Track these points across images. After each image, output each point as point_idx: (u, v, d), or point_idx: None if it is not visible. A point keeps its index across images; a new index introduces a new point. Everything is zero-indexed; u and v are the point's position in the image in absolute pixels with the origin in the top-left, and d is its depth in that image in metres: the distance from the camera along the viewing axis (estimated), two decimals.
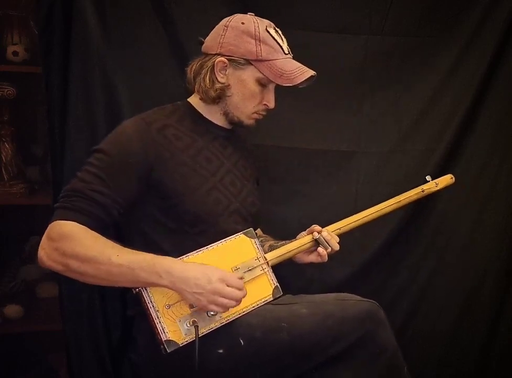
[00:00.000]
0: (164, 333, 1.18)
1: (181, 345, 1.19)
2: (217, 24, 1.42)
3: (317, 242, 1.40)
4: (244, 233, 1.32)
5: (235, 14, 1.40)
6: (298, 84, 1.35)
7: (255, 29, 1.34)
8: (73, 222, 1.18)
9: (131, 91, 1.57)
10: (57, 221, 1.19)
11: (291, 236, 1.56)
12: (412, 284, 1.92)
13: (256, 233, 1.35)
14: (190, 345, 1.19)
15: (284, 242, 1.46)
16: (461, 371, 1.96)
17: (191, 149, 1.36)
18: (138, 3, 1.56)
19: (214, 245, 1.28)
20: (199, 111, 1.42)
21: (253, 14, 1.40)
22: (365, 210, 1.51)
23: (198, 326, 1.19)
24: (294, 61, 1.38)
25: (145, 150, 1.28)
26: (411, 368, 1.37)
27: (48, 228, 1.19)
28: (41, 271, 2.06)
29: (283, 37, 1.38)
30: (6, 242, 2.05)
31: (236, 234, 1.31)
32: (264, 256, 1.33)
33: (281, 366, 1.30)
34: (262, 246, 1.47)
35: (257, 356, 1.27)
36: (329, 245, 1.39)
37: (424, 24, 1.80)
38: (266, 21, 1.38)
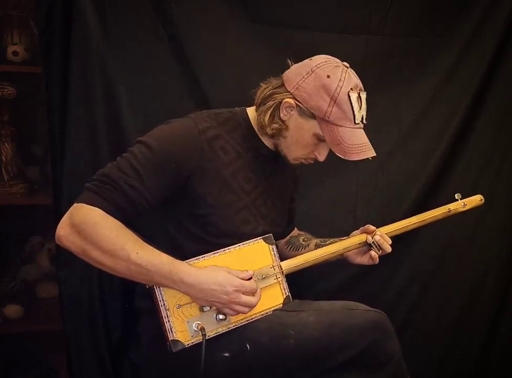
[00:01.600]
0: (172, 332, 1.18)
1: (187, 346, 1.19)
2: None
3: (369, 245, 1.41)
4: (263, 239, 1.31)
5: (330, 60, 1.30)
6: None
7: (336, 88, 1.25)
8: (99, 210, 1.16)
9: (131, 91, 1.57)
10: (83, 204, 1.17)
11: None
12: (412, 284, 1.93)
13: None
14: (195, 347, 1.19)
15: (332, 240, 1.46)
16: (461, 371, 1.96)
17: (233, 165, 1.32)
18: (138, 3, 1.56)
19: (232, 248, 1.27)
20: (253, 125, 1.37)
21: (347, 65, 1.31)
22: (387, 226, 1.46)
23: (205, 334, 1.19)
24: (362, 134, 1.30)
25: (189, 157, 1.25)
26: (410, 368, 1.37)
27: (72, 208, 1.17)
28: (41, 271, 2.06)
29: (363, 103, 1.29)
30: (6, 242, 2.05)
31: (255, 239, 1.30)
32: (280, 265, 1.32)
33: (287, 373, 1.30)
34: (307, 245, 1.49)
35: (262, 361, 1.27)
36: (381, 248, 1.40)
37: (424, 24, 1.80)
38: (354, 82, 1.28)
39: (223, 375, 1.28)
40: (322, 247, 1.42)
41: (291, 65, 1.33)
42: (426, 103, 1.86)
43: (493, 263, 1.93)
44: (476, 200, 1.56)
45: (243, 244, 1.29)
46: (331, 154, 1.30)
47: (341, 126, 1.26)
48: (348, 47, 1.76)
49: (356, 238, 1.42)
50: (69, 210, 1.18)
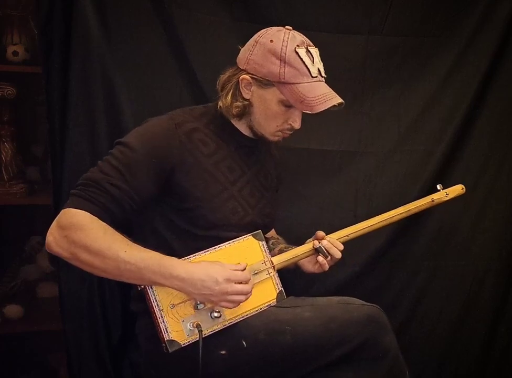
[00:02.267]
0: (167, 332, 1.18)
1: (183, 346, 1.19)
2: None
3: (316, 251, 1.38)
4: (253, 235, 1.32)
5: (270, 28, 1.32)
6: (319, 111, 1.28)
7: (282, 48, 1.26)
8: (85, 212, 1.17)
9: (131, 91, 1.57)
10: (70, 208, 1.18)
11: (291, 236, 1.57)
12: (412, 284, 1.92)
13: (265, 237, 1.34)
14: (192, 345, 1.19)
15: (292, 247, 1.45)
16: (462, 371, 1.96)
17: (215, 156, 1.34)
18: (138, 3, 1.56)
19: (222, 246, 1.28)
20: (227, 117, 1.38)
21: (290, 28, 1.31)
22: (374, 218, 1.49)
23: (201, 330, 1.19)
24: (322, 85, 1.30)
25: (169, 151, 1.26)
26: (411, 368, 1.37)
27: (59, 213, 1.19)
28: (41, 271, 2.06)
29: (315, 57, 1.29)
30: (6, 242, 2.05)
31: (244, 236, 1.31)
32: (271, 260, 1.32)
33: (284, 369, 1.30)
34: (273, 249, 1.48)
35: (259, 358, 1.27)
36: (329, 254, 1.37)
37: (424, 24, 1.80)
38: (299, 40, 1.29)
39: (221, 373, 1.28)
40: (283, 252, 1.42)
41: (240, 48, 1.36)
42: (426, 103, 1.85)
43: (493, 263, 1.93)
44: (457, 189, 1.63)
45: (233, 241, 1.29)
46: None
47: (299, 83, 1.27)
48: (348, 47, 1.77)
49: (309, 244, 1.40)
50: (57, 216, 1.19)
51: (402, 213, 1.53)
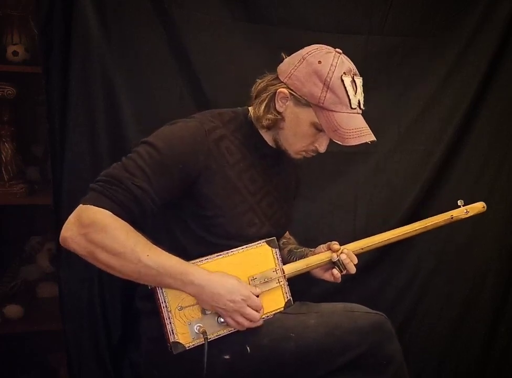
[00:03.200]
0: (173, 334, 1.18)
1: (187, 348, 1.19)
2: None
3: (334, 264, 1.38)
4: (267, 242, 1.30)
5: (321, 47, 1.30)
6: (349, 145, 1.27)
7: (328, 73, 1.23)
8: (107, 211, 1.13)
9: (131, 91, 1.57)
10: (90, 206, 1.14)
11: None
12: (412, 284, 1.93)
13: (277, 244, 1.33)
14: (196, 348, 1.19)
15: (303, 249, 1.45)
16: (462, 371, 1.96)
17: (239, 165, 1.31)
18: (138, 4, 1.56)
19: (235, 250, 1.27)
20: (255, 124, 1.35)
21: (340, 51, 1.29)
22: (389, 232, 1.46)
23: (207, 338, 1.19)
24: (359, 118, 1.27)
25: (197, 158, 1.24)
26: (411, 368, 1.37)
27: (78, 209, 1.15)
28: (41, 271, 2.06)
29: (358, 88, 1.26)
30: (6, 242, 2.05)
31: (258, 242, 1.30)
32: (282, 269, 1.31)
33: (287, 375, 1.30)
34: (282, 249, 1.48)
35: (263, 364, 1.27)
36: (345, 269, 1.37)
37: (424, 24, 1.80)
38: (347, 67, 1.26)
39: (224, 377, 1.27)
40: (293, 253, 1.42)
41: (285, 58, 1.32)
42: (426, 103, 1.86)
43: (493, 263, 1.93)
44: (478, 207, 1.54)
45: (246, 247, 1.28)
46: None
47: (337, 111, 1.24)
48: (348, 47, 1.75)
49: (322, 255, 1.39)
50: (75, 211, 1.15)
51: (418, 229, 1.48)
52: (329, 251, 1.39)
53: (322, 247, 1.42)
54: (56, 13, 1.47)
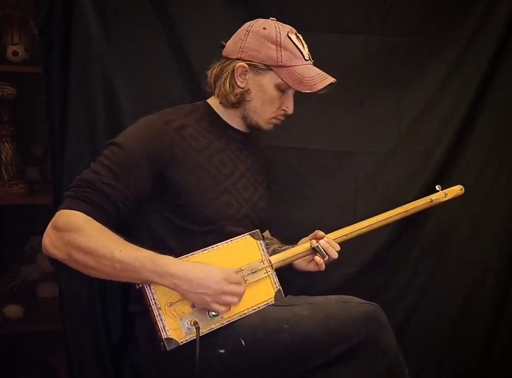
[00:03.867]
0: (165, 330, 1.18)
1: (180, 344, 1.19)
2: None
3: (314, 250, 1.39)
4: (250, 234, 1.32)
5: (257, 19, 1.40)
6: (318, 90, 1.35)
7: (276, 34, 1.34)
8: (80, 213, 1.17)
9: (131, 91, 1.57)
10: (65, 210, 1.18)
11: (291, 236, 1.57)
12: (412, 284, 1.92)
13: (262, 236, 1.35)
14: (191, 344, 1.19)
15: (287, 246, 1.46)
16: (461, 371, 1.96)
17: (206, 151, 1.36)
18: (138, 3, 1.56)
19: (220, 245, 1.28)
20: (218, 113, 1.42)
21: (274, 19, 1.40)
22: (372, 218, 1.50)
23: (199, 327, 1.19)
24: (314, 67, 1.38)
25: (160, 148, 1.29)
26: (411, 368, 1.37)
27: (55, 215, 1.19)
28: (41, 271, 2.06)
29: (303, 42, 1.38)
30: (6, 242, 2.05)
31: (242, 235, 1.31)
32: (269, 259, 1.32)
33: (282, 367, 1.30)
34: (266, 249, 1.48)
35: (258, 357, 1.27)
36: (327, 254, 1.38)
37: (424, 24, 1.80)
38: (288, 27, 1.37)
39: (219, 372, 1.28)
40: (276, 252, 1.42)
41: (225, 43, 1.40)
42: (426, 102, 1.85)
43: (493, 263, 1.93)
44: (456, 190, 1.62)
45: (231, 240, 1.29)
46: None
47: (296, 65, 1.34)
48: (348, 47, 1.77)
49: (307, 244, 1.41)
50: (52, 218, 1.19)
51: (400, 213, 1.53)
52: (314, 240, 1.41)
53: (305, 239, 1.45)
54: (56, 13, 1.47)
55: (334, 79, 1.37)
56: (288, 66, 1.34)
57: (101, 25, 1.51)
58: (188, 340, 1.20)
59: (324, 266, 1.40)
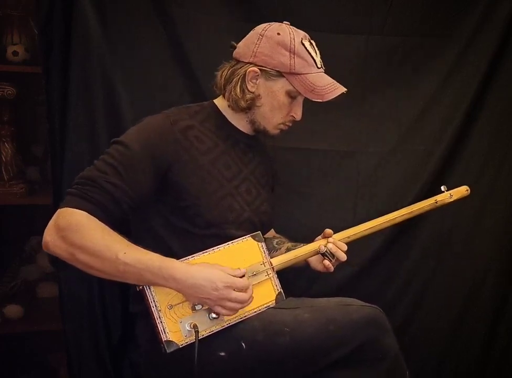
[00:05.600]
0: (165, 333, 1.18)
1: (181, 346, 1.19)
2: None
3: (322, 255, 1.38)
4: (252, 236, 1.31)
5: (271, 23, 1.37)
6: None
7: (290, 41, 1.31)
8: (83, 212, 1.16)
9: (131, 91, 1.57)
10: (67, 208, 1.17)
11: (291, 235, 1.57)
12: (412, 284, 1.92)
13: (263, 237, 1.34)
14: (191, 346, 1.18)
15: (302, 245, 1.44)
16: (461, 371, 1.96)
17: (211, 153, 1.34)
18: (138, 3, 1.56)
19: (221, 247, 1.27)
20: (224, 114, 1.41)
21: (288, 23, 1.37)
22: (376, 219, 1.48)
23: (198, 330, 1.18)
24: (326, 75, 1.36)
25: (165, 148, 1.27)
26: (411, 368, 1.37)
27: (56, 213, 1.18)
28: (41, 271, 2.06)
29: (317, 49, 1.36)
30: (6, 242, 2.05)
31: (243, 237, 1.30)
32: (270, 261, 1.31)
33: (283, 370, 1.30)
34: (278, 249, 1.48)
35: (258, 359, 1.27)
36: (335, 257, 1.38)
37: (424, 24, 1.80)
38: (302, 33, 1.35)
39: (220, 374, 1.27)
40: (292, 250, 1.41)
41: (236, 45, 1.38)
42: (426, 103, 1.85)
43: (493, 263, 1.93)
44: (461, 190, 1.57)
45: (232, 242, 1.28)
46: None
47: (308, 73, 1.32)
48: (348, 47, 1.77)
49: (309, 246, 1.40)
50: (54, 215, 1.18)
51: (404, 214, 1.51)
52: (317, 241, 1.40)
53: (319, 237, 1.43)
54: (56, 13, 1.47)
55: (345, 89, 1.35)
56: (301, 74, 1.32)
57: (101, 25, 1.51)
58: (188, 342, 1.19)
59: (332, 268, 1.39)
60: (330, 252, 1.37)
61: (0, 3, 1.88)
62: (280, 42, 1.31)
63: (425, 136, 1.86)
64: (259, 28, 1.36)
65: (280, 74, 1.32)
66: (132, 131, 1.30)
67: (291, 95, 1.35)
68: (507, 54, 1.83)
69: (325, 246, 1.38)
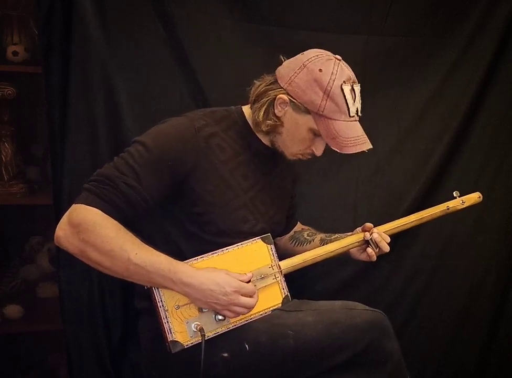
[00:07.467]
0: (171, 333, 1.18)
1: (186, 347, 1.19)
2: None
3: (367, 243, 1.41)
4: (262, 239, 1.30)
5: (320, 53, 1.29)
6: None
7: (329, 82, 1.24)
8: (98, 210, 1.15)
9: (131, 91, 1.57)
10: (82, 205, 1.16)
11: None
12: (412, 284, 1.92)
13: (274, 241, 1.33)
14: (195, 347, 1.19)
15: (337, 235, 1.46)
16: (461, 372, 1.96)
17: (231, 162, 1.32)
18: (138, 4, 1.56)
19: (230, 248, 1.27)
20: (249, 123, 1.36)
21: (340, 58, 1.29)
22: (384, 225, 1.45)
23: (204, 334, 1.19)
24: (357, 126, 1.29)
25: (186, 155, 1.25)
26: (411, 368, 1.37)
27: (70, 208, 1.17)
28: (41, 271, 2.06)
29: (357, 96, 1.27)
30: (6, 242, 2.04)
31: (253, 239, 1.30)
32: (278, 265, 1.31)
33: (286, 373, 1.30)
34: (311, 241, 1.50)
35: (261, 361, 1.27)
36: (378, 247, 1.40)
37: (424, 24, 1.80)
38: (347, 75, 1.27)
39: (222, 375, 1.27)
40: (327, 241, 1.43)
41: (284, 61, 1.32)
42: (426, 103, 1.86)
43: (493, 263, 1.93)
44: (474, 197, 1.55)
45: (241, 244, 1.28)
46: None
47: (336, 119, 1.25)
48: (348, 47, 1.76)
49: (354, 237, 1.42)
50: (68, 211, 1.18)
51: (414, 221, 1.49)
52: (356, 234, 1.42)
53: (358, 229, 1.45)
54: (56, 13, 1.47)
55: (371, 146, 1.28)
56: (328, 118, 1.25)
57: (101, 25, 1.51)
58: (193, 343, 1.20)
59: (375, 257, 1.41)
60: (375, 241, 1.39)
61: (0, 3, 1.88)
62: (318, 80, 1.24)
63: (425, 136, 1.86)
64: (306, 56, 1.29)
65: (307, 111, 1.27)
66: (156, 133, 1.28)
67: (315, 133, 1.29)
68: (507, 54, 1.83)
69: (370, 234, 1.39)
